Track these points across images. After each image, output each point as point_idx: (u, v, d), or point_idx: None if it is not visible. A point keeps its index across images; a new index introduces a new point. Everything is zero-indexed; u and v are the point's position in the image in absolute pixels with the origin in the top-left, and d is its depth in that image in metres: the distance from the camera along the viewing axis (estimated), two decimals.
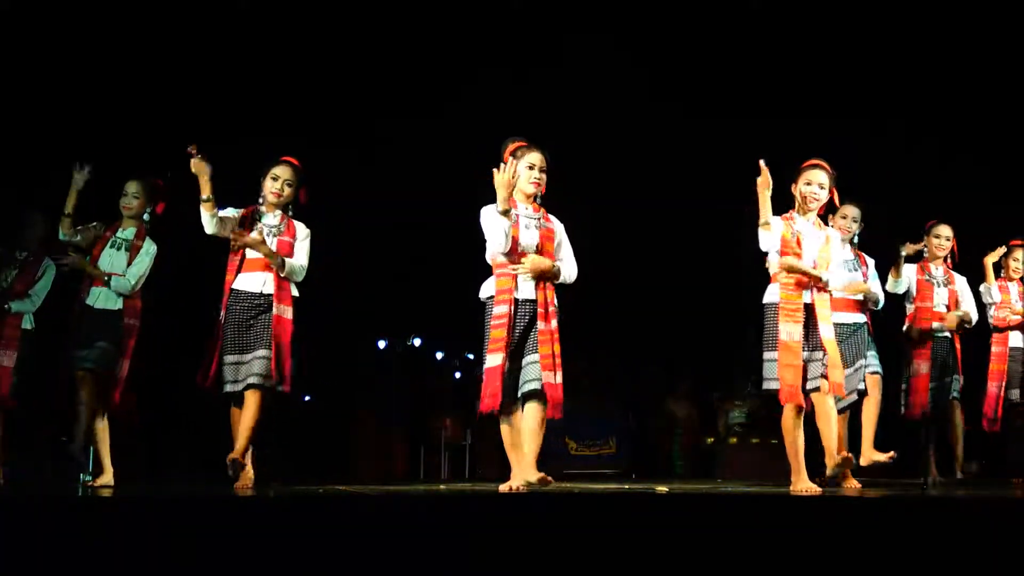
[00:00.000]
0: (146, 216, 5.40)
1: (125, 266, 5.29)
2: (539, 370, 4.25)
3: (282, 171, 4.97)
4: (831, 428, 4.59)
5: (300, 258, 4.97)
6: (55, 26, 7.09)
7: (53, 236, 5.42)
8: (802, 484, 4.45)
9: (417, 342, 11.21)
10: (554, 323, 4.32)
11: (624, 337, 9.97)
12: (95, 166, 5.30)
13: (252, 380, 4.80)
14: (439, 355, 11.37)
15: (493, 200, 4.32)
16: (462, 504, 3.70)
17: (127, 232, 5.36)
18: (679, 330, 9.46)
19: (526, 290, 4.33)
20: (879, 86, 7.89)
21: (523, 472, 4.26)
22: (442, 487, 5.40)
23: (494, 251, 4.33)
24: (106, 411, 5.28)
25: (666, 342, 9.82)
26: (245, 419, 4.81)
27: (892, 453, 5.30)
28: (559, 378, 4.28)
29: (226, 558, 3.20)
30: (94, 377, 5.20)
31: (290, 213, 5.03)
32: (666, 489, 4.45)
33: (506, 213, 4.26)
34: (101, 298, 5.27)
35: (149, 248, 5.36)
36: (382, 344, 10.89)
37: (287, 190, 4.97)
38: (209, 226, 4.81)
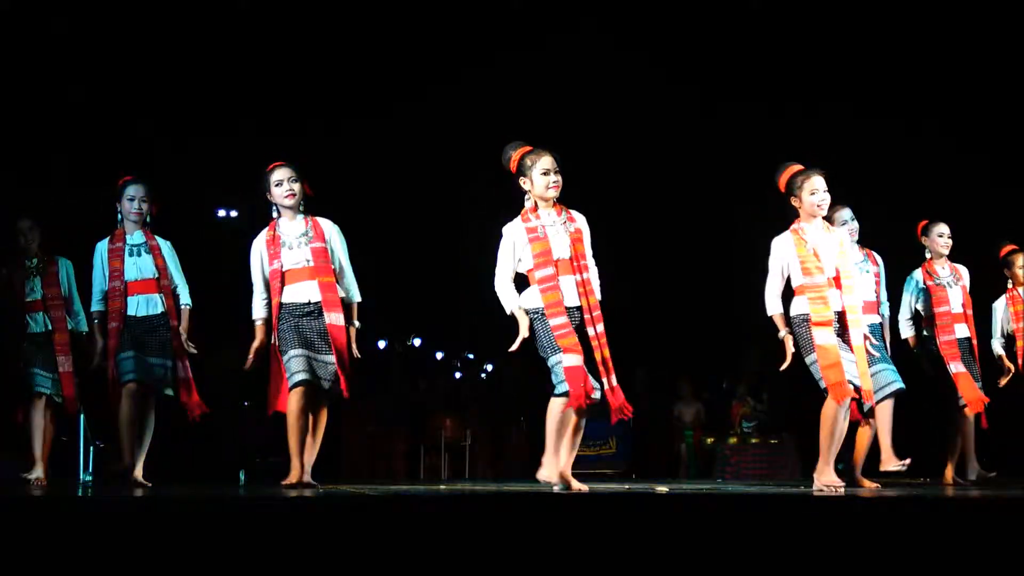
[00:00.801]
0: (147, 218, 5.36)
1: (153, 268, 5.24)
2: (602, 376, 4.32)
3: (281, 173, 4.86)
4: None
5: (346, 266, 4.90)
6: (49, 27, 7.09)
7: (51, 236, 5.43)
8: (827, 477, 4.46)
9: (417, 342, 11.22)
10: (600, 327, 4.33)
11: (624, 337, 9.98)
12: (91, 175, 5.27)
13: (326, 385, 4.76)
14: (439, 355, 11.38)
15: (513, 214, 4.39)
16: (462, 504, 3.71)
17: (136, 237, 5.28)
18: (679, 330, 9.47)
19: (571, 298, 4.32)
20: (878, 84, 7.90)
21: (562, 471, 4.30)
22: (442, 487, 5.40)
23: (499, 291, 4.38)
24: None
25: (666, 342, 9.83)
26: (319, 429, 4.82)
27: (908, 460, 5.30)
28: (615, 381, 4.33)
29: (226, 558, 3.20)
30: (143, 391, 5.16)
31: (309, 212, 4.92)
32: (666, 489, 4.46)
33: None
34: (141, 306, 5.22)
35: (167, 246, 5.33)
36: (382, 344, 10.90)
37: (295, 187, 4.86)
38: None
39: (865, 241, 5.72)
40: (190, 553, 3.21)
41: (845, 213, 5.58)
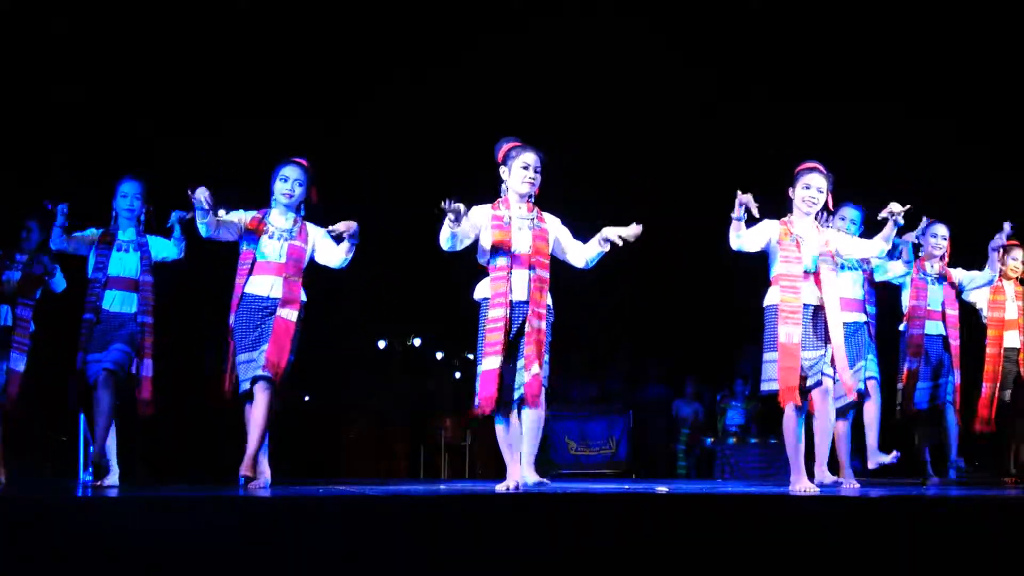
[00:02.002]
0: (143, 216, 5.37)
1: (137, 267, 5.25)
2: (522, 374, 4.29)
3: (291, 171, 4.92)
4: (827, 432, 4.67)
5: (340, 245, 4.94)
6: (47, 26, 7.09)
7: (49, 237, 5.42)
8: (802, 484, 4.46)
9: (417, 342, 11.22)
10: (542, 323, 4.34)
11: (624, 337, 9.99)
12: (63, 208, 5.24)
13: (258, 371, 4.77)
14: (439, 355, 11.37)
15: (485, 201, 4.39)
16: (462, 504, 3.71)
17: (128, 233, 5.32)
18: (679, 331, 9.47)
19: (520, 292, 4.35)
20: (883, 82, 7.90)
21: (520, 473, 4.31)
22: (442, 487, 5.40)
23: (443, 248, 4.36)
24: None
25: (666, 342, 9.83)
26: (255, 417, 4.78)
27: (895, 453, 5.31)
28: (534, 372, 4.28)
29: (226, 558, 3.20)
30: (115, 381, 5.18)
31: (302, 214, 4.98)
32: (666, 489, 4.45)
33: (454, 222, 4.27)
34: (116, 302, 5.24)
35: (156, 241, 5.32)
36: (382, 344, 10.90)
37: (298, 190, 4.92)
38: (204, 230, 4.76)
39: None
40: (190, 553, 3.22)
41: (851, 212, 5.57)
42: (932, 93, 7.77)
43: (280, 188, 4.91)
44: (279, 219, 4.92)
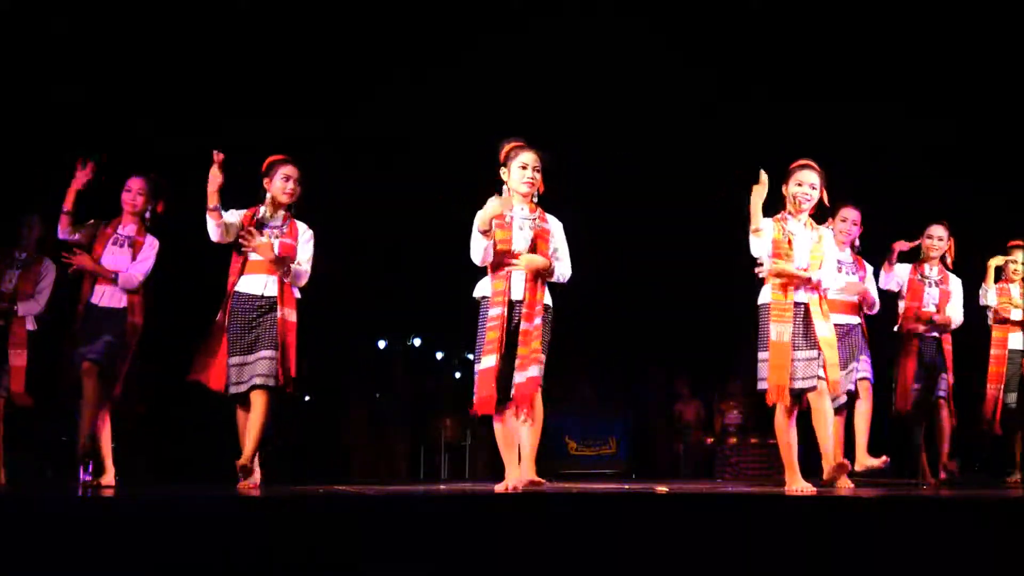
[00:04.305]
0: (148, 214, 5.40)
1: (129, 263, 5.29)
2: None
3: (292, 170, 4.97)
4: (827, 429, 4.62)
5: (304, 263, 4.99)
6: (47, 26, 7.09)
7: (51, 236, 5.43)
8: (797, 484, 4.46)
9: (417, 342, 11.21)
10: (538, 320, 4.32)
11: (624, 337, 9.98)
12: (97, 162, 5.28)
13: (257, 380, 4.81)
14: (439, 355, 11.37)
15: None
16: (462, 504, 3.71)
17: (128, 229, 5.36)
18: (679, 331, 9.47)
19: (519, 291, 4.35)
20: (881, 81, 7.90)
21: (519, 472, 4.31)
22: (442, 487, 5.41)
23: (476, 261, 4.38)
24: (110, 406, 5.27)
25: (666, 343, 9.83)
26: (253, 421, 4.83)
27: (885, 458, 5.31)
28: (530, 373, 4.25)
29: (226, 558, 3.20)
30: (99, 371, 5.19)
31: (292, 212, 5.04)
32: (666, 489, 4.45)
33: (486, 233, 4.30)
34: (106, 296, 5.27)
35: (152, 244, 5.37)
36: (382, 344, 10.89)
37: (299, 189, 4.98)
38: (214, 234, 4.84)
39: (866, 253, 5.72)
40: (190, 553, 3.22)
41: (850, 213, 5.58)
42: (932, 93, 7.77)
43: (282, 187, 4.95)
44: (269, 217, 4.97)
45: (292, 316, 4.90)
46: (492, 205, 4.29)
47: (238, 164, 4.87)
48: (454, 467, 10.30)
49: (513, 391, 4.26)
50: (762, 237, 4.57)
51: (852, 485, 5.15)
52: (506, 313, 4.30)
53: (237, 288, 4.90)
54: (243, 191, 5.03)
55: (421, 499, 3.77)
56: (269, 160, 5.02)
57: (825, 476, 4.74)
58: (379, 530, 3.30)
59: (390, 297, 9.49)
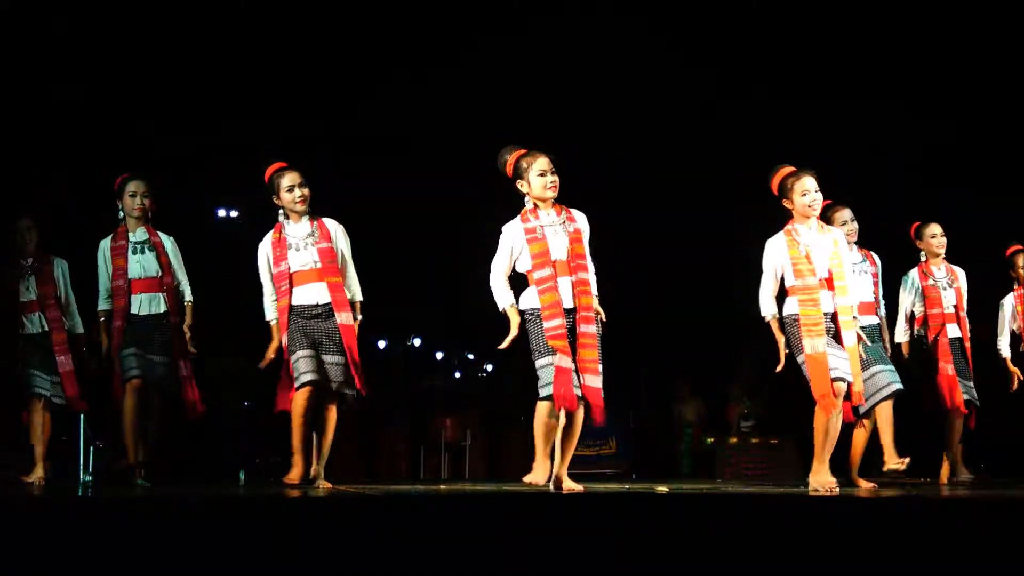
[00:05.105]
0: (149, 214, 5.35)
1: (157, 265, 5.24)
2: (579, 376, 4.28)
3: (294, 177, 4.87)
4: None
5: (349, 265, 4.93)
6: (47, 26, 7.09)
7: (48, 235, 5.43)
8: (821, 476, 4.46)
9: (417, 342, 11.22)
10: (594, 327, 4.34)
11: (624, 337, 9.97)
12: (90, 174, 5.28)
13: (345, 390, 4.81)
14: (439, 355, 11.38)
15: (511, 215, 4.41)
16: (462, 504, 3.71)
17: (139, 234, 5.28)
18: (679, 330, 9.47)
19: (568, 300, 4.33)
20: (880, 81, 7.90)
21: (558, 473, 4.30)
22: (442, 487, 5.41)
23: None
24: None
25: (666, 343, 9.83)
26: (327, 430, 4.88)
27: (907, 459, 5.32)
28: (600, 382, 4.30)
29: (226, 558, 3.20)
30: (144, 385, 5.16)
31: (312, 214, 4.92)
32: (666, 489, 4.46)
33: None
34: (144, 305, 5.23)
35: (172, 243, 5.32)
36: (382, 344, 10.90)
37: (307, 192, 4.88)
38: (271, 313, 4.87)
39: (864, 241, 5.72)
40: (190, 553, 3.22)
41: (845, 213, 5.60)
42: (932, 93, 7.78)
43: (291, 198, 4.85)
44: (295, 228, 4.88)
45: (349, 320, 4.83)
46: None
47: (237, 164, 4.86)
48: (454, 467, 10.30)
49: (584, 395, 4.27)
50: (772, 257, 4.62)
51: (874, 485, 5.18)
52: (566, 322, 4.29)
53: (293, 302, 4.82)
54: (243, 191, 5.01)
55: (421, 499, 3.77)
56: (268, 175, 4.92)
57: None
58: (379, 530, 3.30)
59: (390, 297, 9.49)
